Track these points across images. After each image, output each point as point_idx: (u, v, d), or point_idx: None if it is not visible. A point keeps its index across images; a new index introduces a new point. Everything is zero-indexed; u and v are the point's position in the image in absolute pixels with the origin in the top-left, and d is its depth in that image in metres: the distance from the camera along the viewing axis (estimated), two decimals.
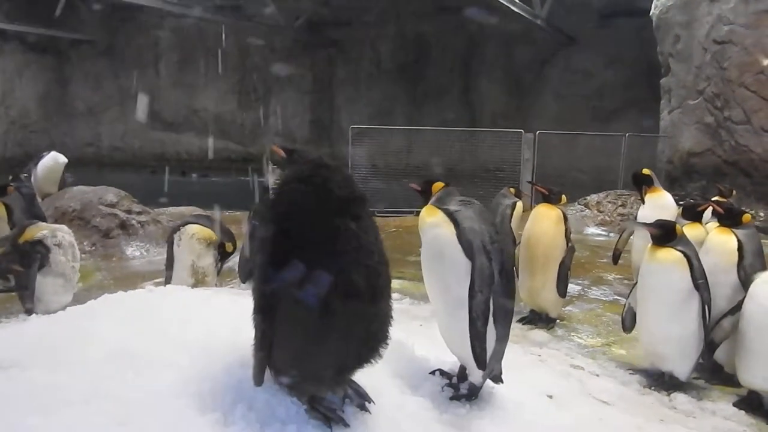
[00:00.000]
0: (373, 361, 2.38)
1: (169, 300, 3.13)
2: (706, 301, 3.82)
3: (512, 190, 6.26)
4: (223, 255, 5.60)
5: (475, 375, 2.85)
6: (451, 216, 2.72)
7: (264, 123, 21.14)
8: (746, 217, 4.22)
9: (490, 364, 2.82)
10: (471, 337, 2.68)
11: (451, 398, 2.81)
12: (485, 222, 2.79)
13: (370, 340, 2.31)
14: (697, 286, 3.81)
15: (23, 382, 2.26)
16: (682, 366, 3.94)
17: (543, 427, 2.81)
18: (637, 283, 4.42)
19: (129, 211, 8.69)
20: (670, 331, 3.89)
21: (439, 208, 2.77)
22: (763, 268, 4.13)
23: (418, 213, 10.73)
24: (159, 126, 21.15)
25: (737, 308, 3.95)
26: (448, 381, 2.92)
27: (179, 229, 5.54)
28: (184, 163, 20.61)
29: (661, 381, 3.99)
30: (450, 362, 3.08)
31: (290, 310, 2.18)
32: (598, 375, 4.00)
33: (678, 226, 3.96)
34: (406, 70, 20.49)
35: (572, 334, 5.01)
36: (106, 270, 7.48)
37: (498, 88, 20.04)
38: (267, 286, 2.23)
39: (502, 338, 2.84)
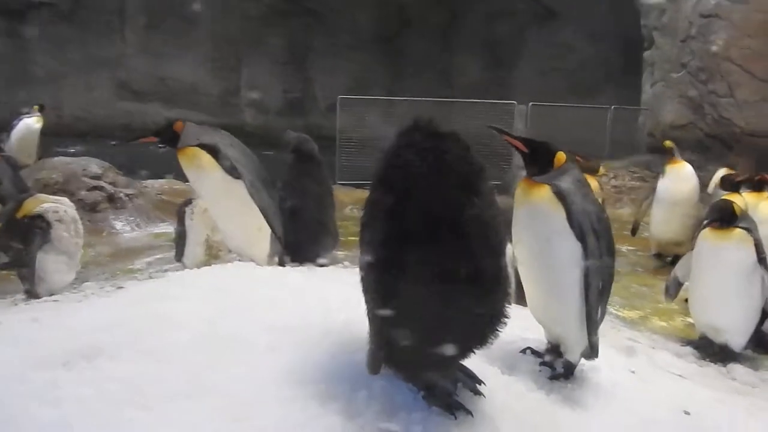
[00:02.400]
0: (491, 341, 2.21)
1: (244, 279, 2.89)
2: None
3: None
4: None
5: (574, 354, 2.71)
6: (562, 196, 2.51)
7: (236, 93, 20.46)
8: None
9: None
10: (588, 325, 2.56)
11: (551, 378, 2.67)
12: (591, 200, 2.62)
13: (494, 319, 2.14)
14: (761, 260, 3.76)
15: (114, 373, 2.01)
16: (738, 338, 3.93)
17: (645, 404, 2.69)
18: (683, 255, 4.38)
19: (115, 184, 8.26)
20: (732, 305, 3.86)
21: (549, 185, 2.54)
22: None
23: None
24: (125, 95, 20.26)
25: None
26: (541, 360, 2.77)
27: (190, 203, 5.24)
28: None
29: (714, 352, 3.96)
30: (531, 339, 2.94)
31: (415, 292, 1.97)
32: (653, 348, 3.93)
33: (737, 206, 3.87)
34: (385, 42, 20.04)
35: None
36: (98, 246, 7.11)
37: (478, 61, 19.81)
38: (388, 267, 1.99)
39: (603, 315, 2.71)
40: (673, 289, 4.32)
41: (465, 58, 20.17)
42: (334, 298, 2.70)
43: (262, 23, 20.05)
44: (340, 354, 2.27)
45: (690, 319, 4.54)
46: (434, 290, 1.96)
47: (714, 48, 11.84)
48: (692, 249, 4.18)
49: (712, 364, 3.85)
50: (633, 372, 3.10)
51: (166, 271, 6.06)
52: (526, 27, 19.47)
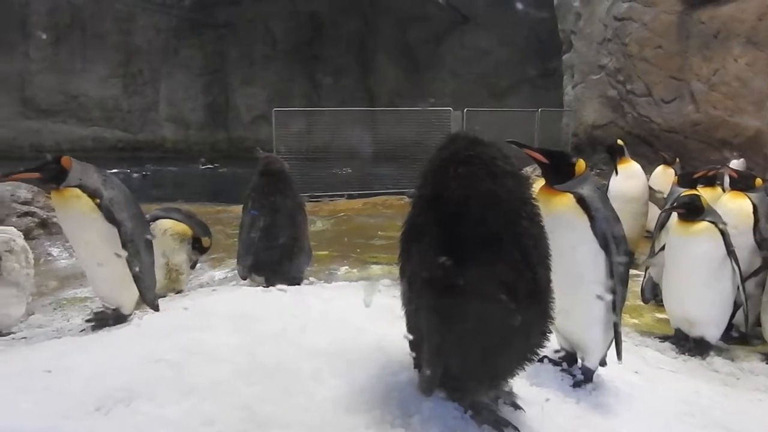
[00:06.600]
0: (538, 356, 2.21)
1: (263, 304, 2.76)
2: (738, 265, 3.93)
3: None
4: (199, 250, 5.14)
5: (592, 360, 2.75)
6: (586, 204, 2.54)
7: (153, 108, 19.79)
8: (758, 181, 4.39)
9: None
10: (615, 331, 2.63)
11: (573, 386, 2.70)
12: (609, 207, 2.67)
13: (544, 334, 2.13)
14: (729, 253, 3.90)
15: (160, 416, 1.86)
16: (713, 330, 4.04)
17: (661, 403, 2.77)
18: (655, 255, 4.51)
19: (47, 208, 7.81)
20: (705, 298, 3.96)
21: (571, 193, 2.56)
22: None
23: (349, 196, 10.46)
24: (33, 114, 19.21)
25: (761, 269, 4.12)
26: (560, 368, 2.80)
27: (149, 224, 4.99)
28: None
29: (691, 346, 4.08)
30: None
31: (479, 310, 1.93)
32: (637, 345, 4.03)
33: (703, 199, 4.01)
34: (301, 51, 19.96)
35: None
36: (37, 275, 6.66)
37: (394, 66, 20.04)
38: (444, 285, 1.94)
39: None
40: (649, 291, 4.46)
41: (382, 64, 20.42)
42: (357, 318, 2.63)
43: (175, 35, 19.54)
44: (383, 377, 2.21)
45: (659, 315, 4.69)
46: (498, 306, 1.92)
47: (629, 49, 12.43)
48: (661, 248, 4.32)
49: (693, 357, 3.97)
50: (636, 372, 3.17)
51: None
52: (441, 32, 19.88)
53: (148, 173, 16.57)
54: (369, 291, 2.49)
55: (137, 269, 3.43)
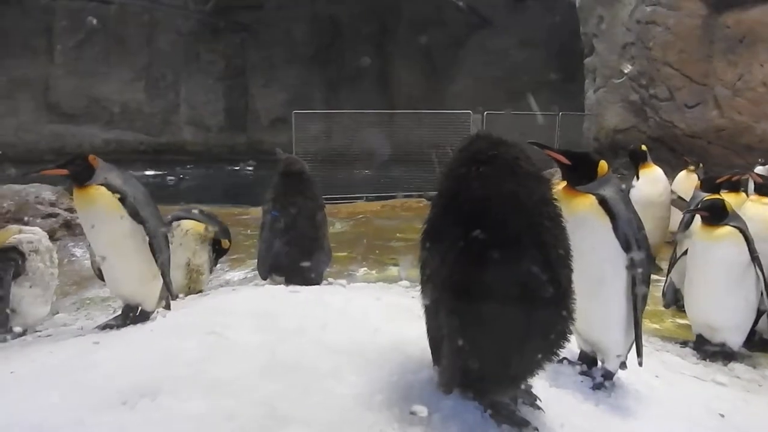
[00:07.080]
0: (558, 357, 2.21)
1: (283, 302, 2.79)
2: (762, 271, 3.89)
3: None
4: (218, 252, 5.20)
5: (613, 362, 2.74)
6: (608, 206, 2.54)
7: (174, 111, 20.00)
8: None
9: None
10: (636, 333, 2.62)
11: (593, 388, 2.69)
12: (632, 209, 2.67)
13: (566, 332, 2.13)
14: (753, 258, 3.87)
15: (182, 411, 1.89)
16: (735, 336, 4.00)
17: (682, 408, 2.76)
18: (677, 260, 4.48)
19: (71, 210, 7.93)
20: (728, 304, 3.92)
21: (594, 195, 2.56)
22: None
23: (367, 198, 10.52)
24: (56, 118, 19.46)
25: None
26: (579, 370, 2.79)
27: (170, 225, 5.05)
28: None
29: (712, 353, 4.04)
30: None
31: (499, 309, 1.94)
32: (657, 350, 4.00)
33: (728, 204, 3.98)
34: (321, 54, 20.09)
35: None
36: (60, 274, 6.76)
37: (414, 70, 20.07)
38: (465, 285, 1.95)
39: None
40: (671, 296, 4.44)
41: (401, 67, 20.42)
42: (377, 318, 2.65)
43: (197, 39, 19.74)
44: (402, 375, 2.22)
45: (680, 320, 4.66)
46: (518, 306, 1.93)
47: (652, 53, 12.32)
48: (684, 252, 4.28)
49: (714, 363, 3.93)
50: (657, 376, 3.15)
51: None
52: (461, 36, 19.86)
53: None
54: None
55: (165, 265, 3.51)
